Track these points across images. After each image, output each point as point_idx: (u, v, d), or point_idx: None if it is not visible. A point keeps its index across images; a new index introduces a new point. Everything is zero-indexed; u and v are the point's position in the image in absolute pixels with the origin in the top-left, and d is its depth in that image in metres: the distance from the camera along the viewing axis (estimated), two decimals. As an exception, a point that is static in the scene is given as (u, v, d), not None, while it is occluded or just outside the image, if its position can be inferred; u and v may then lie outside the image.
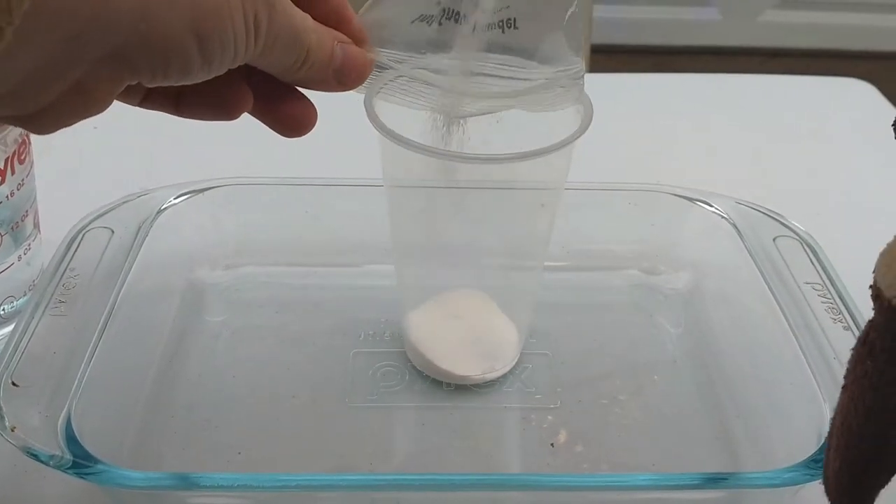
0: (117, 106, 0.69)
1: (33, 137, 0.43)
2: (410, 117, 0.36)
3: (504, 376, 0.42)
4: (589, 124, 0.36)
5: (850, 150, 0.64)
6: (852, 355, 0.24)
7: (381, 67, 0.34)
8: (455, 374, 0.41)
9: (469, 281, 0.43)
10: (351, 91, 0.34)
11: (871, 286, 0.24)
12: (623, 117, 0.65)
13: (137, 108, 0.67)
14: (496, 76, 0.35)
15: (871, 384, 0.24)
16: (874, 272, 0.24)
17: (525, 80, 0.35)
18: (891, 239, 0.24)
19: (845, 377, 0.25)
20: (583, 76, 0.35)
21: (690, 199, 0.47)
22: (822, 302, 0.40)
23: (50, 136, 0.55)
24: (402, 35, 0.34)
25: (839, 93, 0.72)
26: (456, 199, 0.38)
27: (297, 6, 0.29)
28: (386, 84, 0.35)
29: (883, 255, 0.24)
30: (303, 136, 0.34)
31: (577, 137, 0.35)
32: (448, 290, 0.43)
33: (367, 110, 0.35)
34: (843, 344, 0.38)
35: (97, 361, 0.37)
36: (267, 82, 0.31)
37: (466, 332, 0.42)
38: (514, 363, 0.42)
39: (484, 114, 0.36)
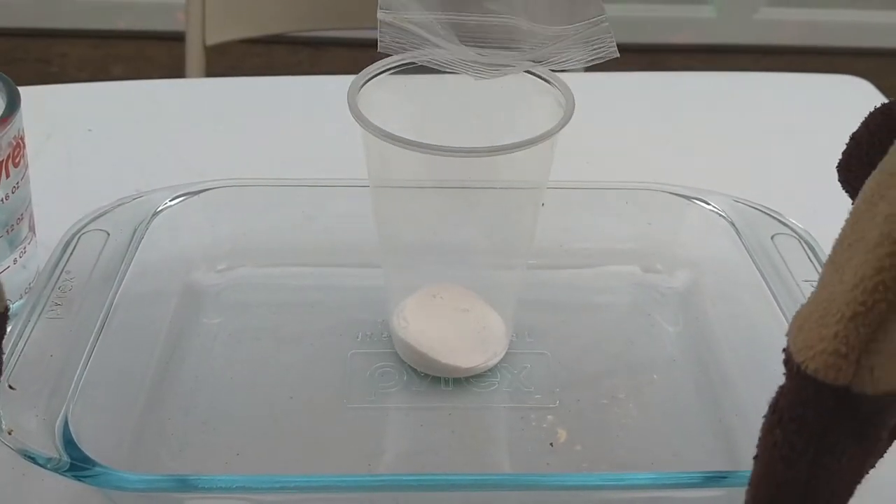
0: (111, 108, 0.69)
1: (28, 140, 0.43)
2: (394, 114, 0.36)
3: (503, 375, 0.42)
4: (570, 118, 0.36)
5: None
6: (763, 424, 0.23)
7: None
8: (461, 368, 0.41)
9: (454, 277, 0.43)
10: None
11: (783, 350, 0.23)
12: (618, 116, 0.65)
13: (131, 111, 0.67)
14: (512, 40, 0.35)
15: (780, 455, 0.22)
16: (787, 335, 0.23)
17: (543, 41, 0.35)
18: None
19: (757, 446, 0.23)
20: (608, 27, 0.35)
21: (688, 198, 0.47)
22: (820, 299, 0.40)
23: (45, 138, 0.55)
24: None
25: (836, 90, 0.72)
26: (440, 196, 0.39)
27: None
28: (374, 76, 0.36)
29: (795, 317, 0.23)
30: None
31: (560, 129, 0.35)
32: (433, 287, 0.43)
33: (350, 105, 0.35)
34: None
35: (94, 364, 0.36)
36: None
37: (462, 326, 0.42)
38: (504, 352, 0.43)
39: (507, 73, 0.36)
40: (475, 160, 0.35)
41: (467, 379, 0.42)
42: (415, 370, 0.42)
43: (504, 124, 0.38)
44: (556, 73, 0.38)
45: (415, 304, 0.42)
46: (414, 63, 0.38)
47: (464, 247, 0.42)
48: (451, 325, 0.42)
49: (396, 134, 0.35)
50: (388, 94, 0.38)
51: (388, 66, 0.38)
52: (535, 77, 0.38)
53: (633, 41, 1.90)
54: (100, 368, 0.37)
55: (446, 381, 0.42)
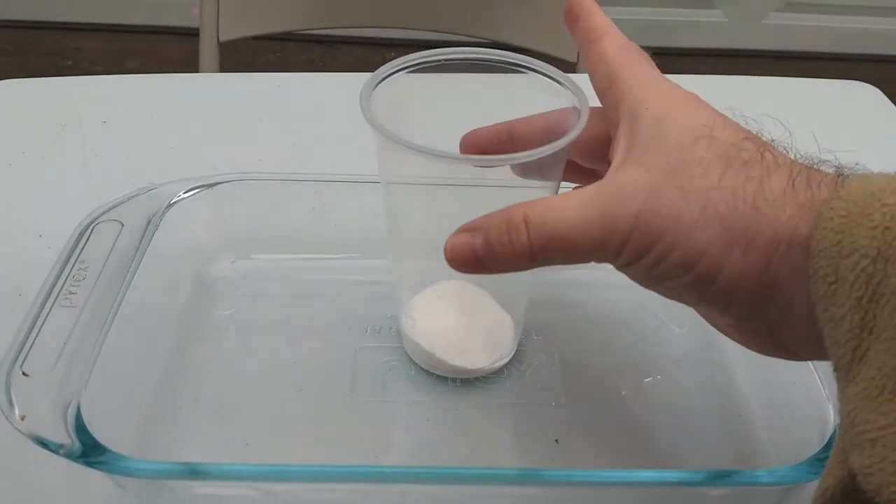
0: (126, 101, 0.70)
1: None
2: (406, 112, 0.36)
3: (510, 372, 0.43)
4: (584, 123, 0.35)
5: (855, 153, 0.64)
6: None
7: None
8: (468, 369, 0.41)
9: (465, 276, 0.43)
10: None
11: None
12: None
13: (145, 104, 0.68)
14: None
15: None
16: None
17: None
18: None
19: None
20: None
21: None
22: (826, 302, 0.40)
23: (59, 129, 0.55)
24: None
25: (844, 96, 0.72)
26: (451, 193, 0.38)
27: None
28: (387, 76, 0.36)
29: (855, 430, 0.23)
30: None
31: (574, 137, 0.34)
32: (442, 286, 0.43)
33: (362, 109, 0.35)
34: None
35: (106, 353, 0.37)
36: None
37: (470, 327, 0.42)
38: (512, 353, 0.43)
39: None
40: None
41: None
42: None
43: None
44: (569, 76, 0.38)
45: (423, 302, 0.43)
46: (427, 63, 0.38)
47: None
48: (459, 326, 0.42)
49: (407, 129, 0.35)
50: (401, 94, 0.38)
51: (401, 66, 0.38)
52: (547, 78, 0.38)
53: (643, 44, 1.90)
54: (112, 357, 0.37)
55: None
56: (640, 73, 0.34)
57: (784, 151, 0.31)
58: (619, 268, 0.32)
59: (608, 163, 0.33)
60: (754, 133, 0.32)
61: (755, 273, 0.29)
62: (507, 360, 0.43)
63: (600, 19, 0.35)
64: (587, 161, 0.37)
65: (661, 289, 0.32)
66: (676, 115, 0.31)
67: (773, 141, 0.32)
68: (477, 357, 0.42)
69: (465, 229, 0.33)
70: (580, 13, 0.36)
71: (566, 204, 0.31)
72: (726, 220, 0.29)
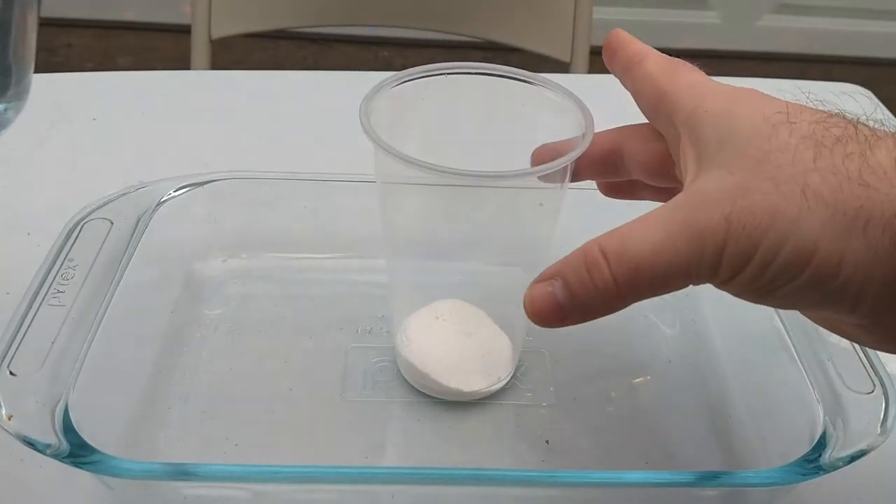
0: (116, 98, 0.69)
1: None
2: (405, 121, 0.36)
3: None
4: (590, 141, 0.35)
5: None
6: None
7: None
8: (463, 392, 0.40)
9: (463, 292, 0.42)
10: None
11: None
12: (621, 119, 0.65)
13: (136, 101, 0.67)
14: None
15: None
16: None
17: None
18: None
19: None
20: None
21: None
22: (817, 304, 0.40)
23: (49, 126, 0.54)
24: None
25: (836, 98, 0.72)
26: (451, 200, 0.38)
27: None
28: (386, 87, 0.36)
29: None
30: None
31: (576, 156, 0.34)
32: (439, 305, 0.42)
33: (362, 122, 0.34)
34: (837, 345, 0.38)
35: (95, 352, 0.37)
36: None
37: (466, 349, 0.41)
38: (510, 376, 0.42)
39: None
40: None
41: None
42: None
43: (512, 137, 0.37)
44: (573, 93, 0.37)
45: (419, 321, 0.41)
46: (431, 76, 0.37)
47: (474, 257, 0.41)
48: (456, 347, 0.41)
49: (408, 134, 0.34)
50: (399, 102, 0.37)
51: (404, 79, 0.37)
52: (555, 95, 0.37)
53: (637, 45, 1.90)
54: (100, 356, 0.37)
55: (444, 376, 0.42)
56: (689, 80, 0.31)
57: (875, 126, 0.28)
58: (721, 285, 0.28)
59: (679, 181, 0.30)
60: (836, 112, 0.29)
61: (881, 255, 0.25)
62: (503, 383, 0.42)
63: (639, 46, 0.34)
64: (659, 181, 0.35)
65: (775, 300, 0.28)
66: (742, 108, 0.29)
67: (858, 119, 0.29)
68: (473, 379, 0.41)
69: (541, 279, 0.30)
70: (618, 46, 0.34)
71: (645, 225, 0.28)
72: (833, 203, 0.25)
